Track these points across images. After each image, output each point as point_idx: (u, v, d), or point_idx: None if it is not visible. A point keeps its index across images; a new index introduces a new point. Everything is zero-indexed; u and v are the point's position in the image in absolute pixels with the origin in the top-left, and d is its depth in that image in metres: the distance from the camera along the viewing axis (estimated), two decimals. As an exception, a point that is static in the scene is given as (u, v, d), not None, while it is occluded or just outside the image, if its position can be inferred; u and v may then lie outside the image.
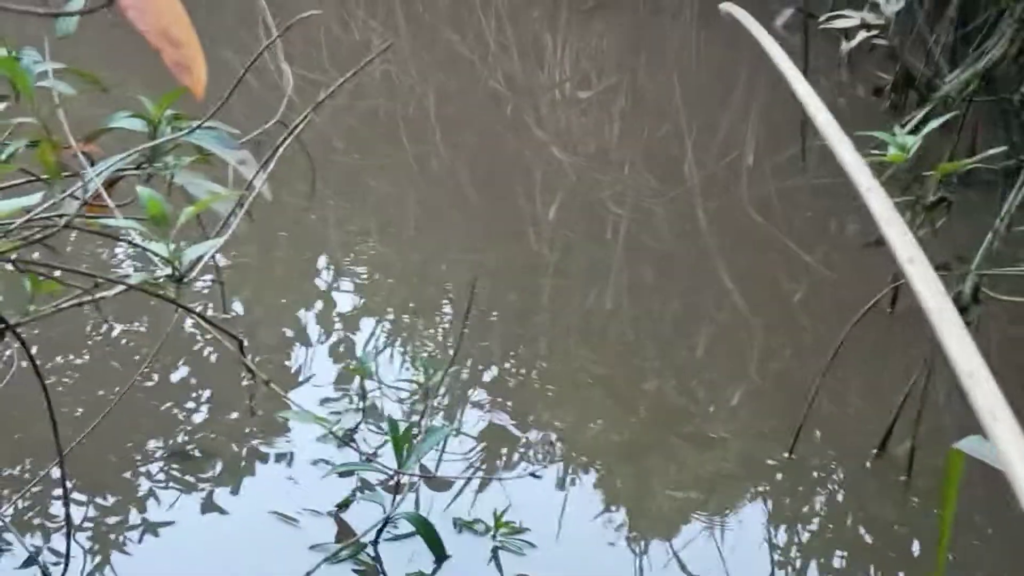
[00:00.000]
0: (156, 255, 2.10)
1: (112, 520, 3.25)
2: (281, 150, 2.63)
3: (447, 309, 4.70)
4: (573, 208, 5.69)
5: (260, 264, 4.96)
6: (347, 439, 3.53)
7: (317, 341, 4.29)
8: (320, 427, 2.73)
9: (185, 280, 2.17)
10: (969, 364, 0.96)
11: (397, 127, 6.58)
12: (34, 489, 3.26)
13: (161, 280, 2.13)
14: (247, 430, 3.66)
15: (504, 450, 3.70)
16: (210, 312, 4.37)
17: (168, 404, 3.80)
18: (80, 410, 3.67)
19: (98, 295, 2.14)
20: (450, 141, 6.45)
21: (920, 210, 2.96)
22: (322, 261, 5.05)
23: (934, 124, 3.03)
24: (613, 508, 3.48)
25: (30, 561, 3.03)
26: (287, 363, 4.11)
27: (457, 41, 7.92)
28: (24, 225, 2.23)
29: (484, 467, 3.60)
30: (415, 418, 3.67)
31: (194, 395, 3.87)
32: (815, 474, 3.68)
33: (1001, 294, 3.50)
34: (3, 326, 2.12)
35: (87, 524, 3.23)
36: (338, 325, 4.44)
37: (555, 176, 6.07)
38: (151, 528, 3.23)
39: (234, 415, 3.74)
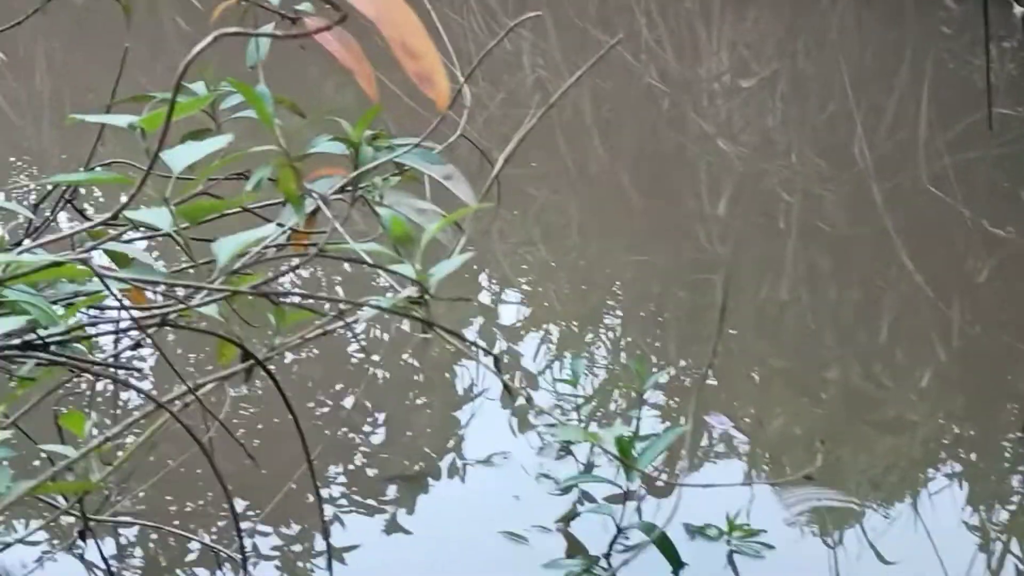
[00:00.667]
0: (403, 276, 2.03)
1: (339, 543, 3.21)
2: (502, 161, 2.56)
3: (618, 313, 4.63)
4: (741, 200, 5.59)
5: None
6: (566, 450, 3.47)
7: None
8: (582, 439, 2.64)
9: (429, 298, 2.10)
10: None
11: (553, 132, 6.50)
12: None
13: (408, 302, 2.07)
14: (459, 447, 3.61)
15: (713, 451, 3.61)
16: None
17: (377, 425, 3.77)
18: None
19: (349, 320, 2.08)
20: (608, 143, 6.36)
21: None
22: (487, 272, 4.99)
23: None
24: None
25: None
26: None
27: (608, 41, 7.82)
28: (259, 257, 2.18)
29: (692, 470, 3.51)
30: (624, 424, 3.59)
31: (399, 415, 3.83)
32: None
33: None
34: (252, 362, 2.07)
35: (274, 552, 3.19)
36: (505, 337, 4.37)
37: (720, 169, 5.96)
38: (370, 551, 3.18)
39: (455, 432, 3.70)
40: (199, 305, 1.84)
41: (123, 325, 2.08)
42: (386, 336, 4.25)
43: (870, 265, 4.87)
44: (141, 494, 3.26)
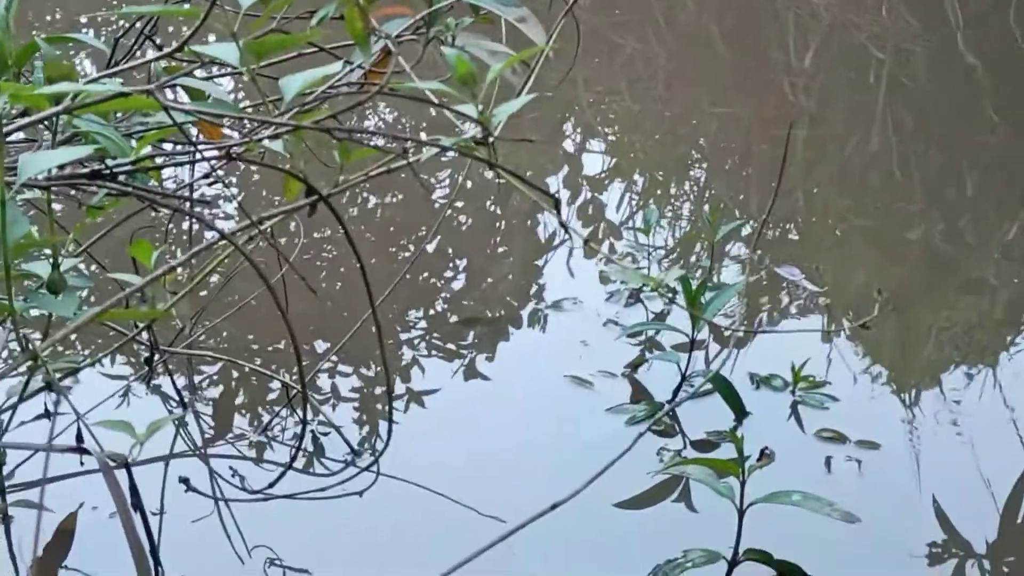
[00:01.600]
0: (467, 116, 2.04)
1: (418, 388, 3.25)
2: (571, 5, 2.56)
3: (701, 165, 4.62)
4: (828, 55, 5.53)
5: (512, 130, 4.90)
6: (635, 298, 3.49)
7: (577, 203, 4.23)
8: (639, 282, 2.65)
9: (494, 139, 2.12)
10: None
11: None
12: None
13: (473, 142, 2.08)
14: (533, 292, 3.64)
15: (794, 306, 3.62)
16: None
17: (458, 271, 3.81)
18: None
19: (412, 158, 2.10)
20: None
21: None
22: (573, 122, 4.98)
23: None
24: (890, 361, 3.38)
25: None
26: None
27: None
28: (327, 94, 2.20)
29: (761, 320, 3.53)
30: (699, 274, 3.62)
31: (478, 261, 3.86)
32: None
33: None
34: (316, 198, 2.09)
35: (353, 394, 3.23)
36: (590, 186, 4.38)
37: (808, 22, 5.90)
38: (446, 394, 3.23)
39: (533, 280, 3.73)
40: (262, 139, 1.86)
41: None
42: (469, 184, 4.28)
43: (956, 120, 4.82)
44: (224, 333, 3.32)
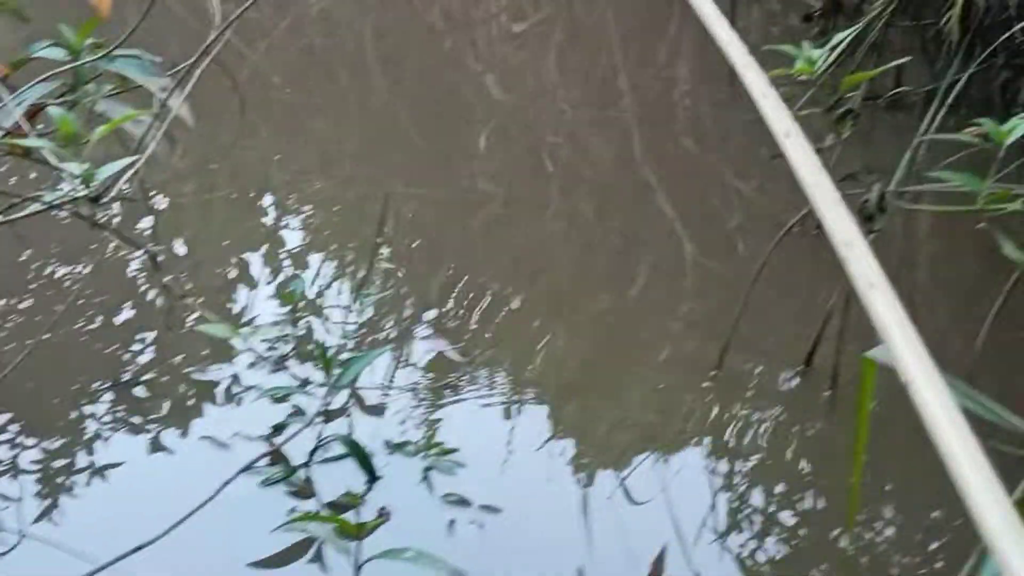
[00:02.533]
0: (70, 174, 2.12)
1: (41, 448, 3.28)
2: (198, 72, 2.66)
3: (386, 248, 4.74)
4: (512, 141, 5.72)
5: (198, 204, 4.97)
6: (280, 365, 3.57)
7: (258, 279, 4.31)
8: (228, 335, 2.71)
9: (103, 200, 2.20)
10: (846, 234, 0.98)
11: (335, 64, 6.59)
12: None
13: (78, 199, 2.16)
14: (177, 358, 3.70)
15: (444, 377, 3.74)
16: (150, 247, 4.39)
17: (93, 335, 3.83)
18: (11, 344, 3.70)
19: (12, 216, 2.17)
20: (388, 77, 6.45)
21: (834, 123, 3.02)
22: (262, 200, 5.06)
23: (842, 36, 3.08)
24: (545, 427, 3.53)
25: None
26: (229, 303, 4.12)
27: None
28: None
29: (421, 393, 3.65)
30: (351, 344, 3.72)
31: (120, 323, 3.89)
32: (741, 389, 3.74)
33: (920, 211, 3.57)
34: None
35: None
36: (279, 263, 4.46)
37: (493, 109, 6.09)
38: (94, 467, 3.27)
39: (166, 343, 3.77)
40: None
41: None
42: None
43: (630, 211, 5.02)
44: None
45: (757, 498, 3.32)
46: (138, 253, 3.24)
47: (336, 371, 3.25)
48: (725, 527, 3.21)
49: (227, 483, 2.90)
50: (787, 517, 3.26)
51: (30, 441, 3.37)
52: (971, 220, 4.04)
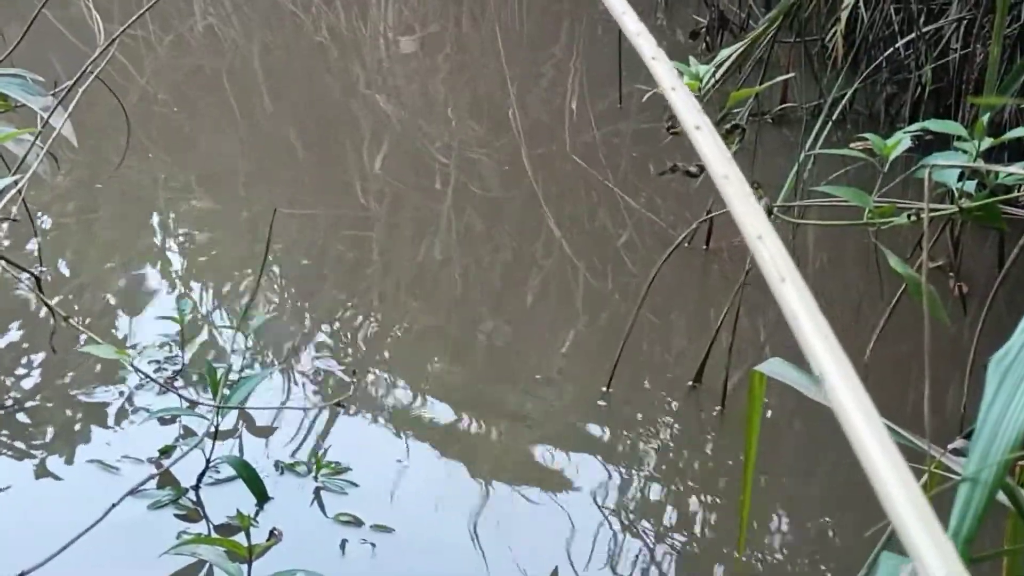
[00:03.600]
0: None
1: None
2: (81, 90, 2.62)
3: (275, 267, 4.70)
4: (401, 159, 5.70)
5: (82, 225, 4.91)
6: (169, 386, 3.53)
7: (146, 300, 4.26)
8: (111, 355, 2.65)
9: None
10: (757, 227, 0.95)
11: (222, 83, 6.54)
12: None
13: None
14: (63, 380, 3.64)
15: (334, 397, 3.71)
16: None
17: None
18: None
19: None
20: (276, 96, 6.42)
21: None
22: (150, 219, 5.01)
23: (728, 52, 3.11)
24: (436, 447, 3.52)
25: None
26: (116, 324, 4.07)
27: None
28: None
29: (311, 413, 3.62)
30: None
31: (4, 346, 3.82)
32: (632, 408, 3.75)
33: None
34: None
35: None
36: (167, 283, 4.42)
37: (382, 128, 6.08)
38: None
39: (52, 365, 3.71)
40: None
41: None
42: None
43: (520, 228, 5.03)
44: None
45: (649, 516, 3.33)
46: (23, 276, 3.18)
47: (224, 392, 3.22)
48: (618, 546, 3.21)
49: (114, 506, 2.86)
50: (679, 536, 3.27)
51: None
52: (856, 234, 4.10)
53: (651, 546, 3.22)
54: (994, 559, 1.99)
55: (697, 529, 3.30)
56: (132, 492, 3.06)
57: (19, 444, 3.38)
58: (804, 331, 0.89)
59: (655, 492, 3.43)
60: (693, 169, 3.26)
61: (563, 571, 3.07)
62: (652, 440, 3.63)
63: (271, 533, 2.97)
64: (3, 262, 1.94)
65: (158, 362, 3.71)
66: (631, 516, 3.32)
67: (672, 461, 3.55)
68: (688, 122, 1.08)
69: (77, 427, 3.45)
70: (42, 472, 3.29)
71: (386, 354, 4.01)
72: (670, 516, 3.34)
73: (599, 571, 3.10)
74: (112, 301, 4.21)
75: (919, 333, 3.68)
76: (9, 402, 3.52)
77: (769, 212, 2.94)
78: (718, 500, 3.41)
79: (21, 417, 3.48)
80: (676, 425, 3.69)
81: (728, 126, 3.04)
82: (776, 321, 4.16)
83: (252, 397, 3.34)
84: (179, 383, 3.61)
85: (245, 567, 2.69)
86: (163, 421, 3.43)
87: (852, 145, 3.22)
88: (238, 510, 2.95)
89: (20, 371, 3.71)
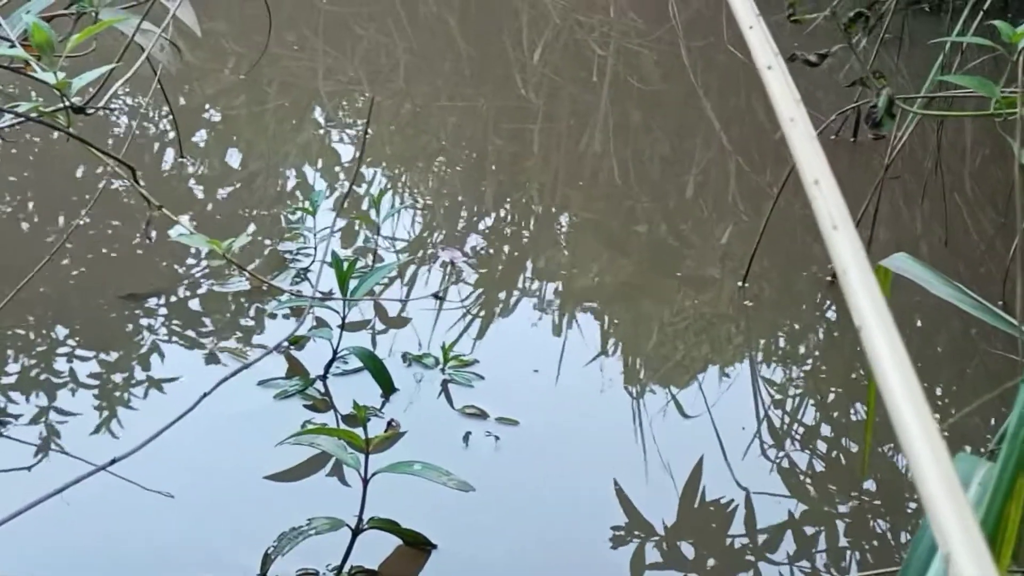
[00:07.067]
0: (45, 84, 2.10)
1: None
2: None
3: (440, 158, 4.71)
4: (559, 52, 5.66)
5: (252, 115, 4.96)
6: (302, 278, 3.56)
7: (311, 190, 4.29)
8: (205, 246, 2.65)
9: (89, 111, 2.18)
10: (816, 172, 0.92)
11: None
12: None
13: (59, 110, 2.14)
14: (195, 272, 3.68)
15: (464, 290, 3.71)
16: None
17: (104, 250, 3.82)
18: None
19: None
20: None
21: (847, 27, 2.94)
22: (313, 112, 5.05)
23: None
24: (561, 339, 3.50)
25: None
26: (282, 213, 4.11)
27: None
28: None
29: (443, 305, 3.62)
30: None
31: (124, 237, 3.87)
32: (772, 299, 3.70)
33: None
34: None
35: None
36: (333, 175, 4.45)
37: (541, 20, 6.03)
38: (104, 378, 3.27)
39: (186, 260, 3.76)
40: None
41: None
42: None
43: (678, 121, 4.97)
44: None
45: (791, 407, 3.28)
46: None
47: (352, 283, 3.22)
48: (763, 439, 3.16)
49: (211, 390, 2.82)
50: (827, 429, 3.22)
51: (88, 353, 3.34)
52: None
53: (799, 438, 3.17)
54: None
55: (847, 423, 3.25)
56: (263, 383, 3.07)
57: (145, 335, 3.42)
58: (852, 284, 0.85)
59: (796, 380, 3.38)
60: (812, 58, 3.16)
61: (710, 460, 3.03)
62: (791, 332, 3.57)
63: (388, 424, 2.98)
64: (97, 152, 1.95)
65: (291, 254, 3.74)
66: (775, 405, 3.28)
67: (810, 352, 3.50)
68: (760, 61, 1.05)
69: (207, 316, 3.49)
70: (174, 361, 3.32)
71: (523, 246, 3.99)
72: (817, 405, 3.29)
73: (740, 463, 3.05)
74: (284, 199, 4.25)
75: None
76: (140, 291, 3.56)
77: (890, 103, 2.84)
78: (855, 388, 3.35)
79: (152, 306, 3.52)
80: (814, 317, 3.62)
81: (851, 14, 2.94)
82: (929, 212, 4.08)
83: (384, 290, 3.35)
84: (311, 276, 3.63)
85: (363, 458, 2.70)
86: (293, 312, 3.45)
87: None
88: (355, 401, 2.96)
89: (149, 259, 3.74)
